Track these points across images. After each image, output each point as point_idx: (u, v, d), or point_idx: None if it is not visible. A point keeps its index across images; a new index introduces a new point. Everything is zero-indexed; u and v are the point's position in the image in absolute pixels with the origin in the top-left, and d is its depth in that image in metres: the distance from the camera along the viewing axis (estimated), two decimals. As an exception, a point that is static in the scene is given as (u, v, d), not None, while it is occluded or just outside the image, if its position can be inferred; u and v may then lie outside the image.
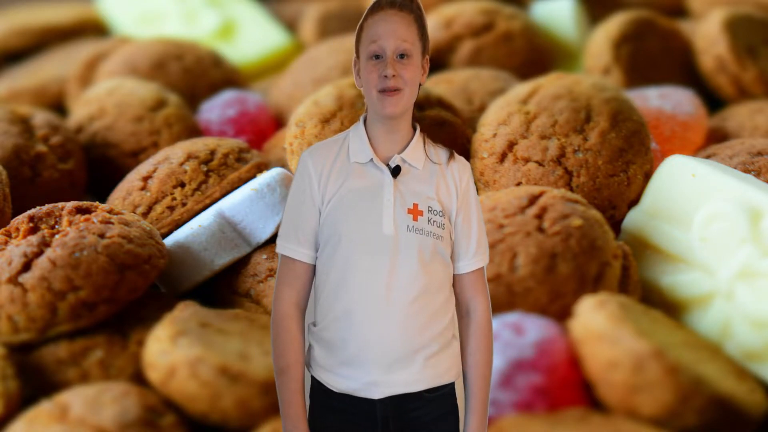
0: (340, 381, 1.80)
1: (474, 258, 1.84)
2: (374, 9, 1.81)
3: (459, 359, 1.84)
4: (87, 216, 2.22)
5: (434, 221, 1.81)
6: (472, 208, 1.84)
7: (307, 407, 1.83)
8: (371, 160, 1.81)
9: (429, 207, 1.81)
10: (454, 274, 1.84)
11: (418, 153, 1.83)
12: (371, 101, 1.80)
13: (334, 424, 1.82)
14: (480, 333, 1.84)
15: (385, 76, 1.78)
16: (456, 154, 1.86)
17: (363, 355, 1.79)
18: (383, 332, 1.78)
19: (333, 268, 1.80)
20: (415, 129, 1.84)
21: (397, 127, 1.82)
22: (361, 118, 1.84)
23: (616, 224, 2.30)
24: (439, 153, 1.85)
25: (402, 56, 1.78)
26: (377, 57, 1.78)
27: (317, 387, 1.83)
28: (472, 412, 1.83)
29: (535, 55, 3.01)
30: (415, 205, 1.80)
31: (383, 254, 1.78)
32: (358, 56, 1.82)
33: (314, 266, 1.83)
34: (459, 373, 1.84)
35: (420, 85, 1.81)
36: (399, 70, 1.78)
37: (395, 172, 1.81)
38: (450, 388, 1.83)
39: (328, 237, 1.80)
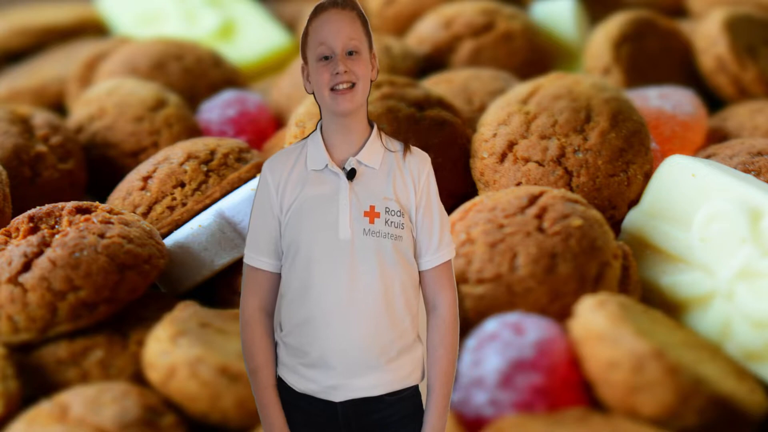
0: (302, 382, 1.82)
1: (437, 253, 1.84)
2: (317, 11, 1.82)
3: (422, 362, 1.84)
4: (87, 216, 2.22)
5: (392, 222, 1.80)
6: (433, 203, 1.83)
7: None
8: (326, 165, 1.81)
9: (386, 208, 1.80)
10: (419, 271, 1.84)
11: (375, 152, 1.82)
12: (324, 102, 1.80)
13: (299, 420, 1.83)
14: (444, 328, 1.83)
15: (337, 73, 1.78)
16: (413, 148, 1.85)
17: (324, 361, 1.80)
18: (344, 339, 1.79)
19: (294, 276, 1.81)
20: (372, 126, 1.84)
21: (351, 126, 1.82)
22: (318, 125, 1.84)
23: (616, 224, 2.30)
24: (395, 147, 1.85)
25: (351, 53, 1.79)
26: (326, 58, 1.79)
27: (282, 385, 1.84)
28: (431, 408, 1.83)
29: (535, 55, 3.01)
30: (372, 207, 1.80)
31: (342, 260, 1.78)
32: (306, 62, 1.82)
33: (278, 275, 1.84)
34: (422, 375, 1.85)
35: (371, 81, 1.82)
36: (350, 66, 1.79)
37: (350, 175, 1.81)
38: (413, 390, 1.84)
39: (288, 245, 1.81)
